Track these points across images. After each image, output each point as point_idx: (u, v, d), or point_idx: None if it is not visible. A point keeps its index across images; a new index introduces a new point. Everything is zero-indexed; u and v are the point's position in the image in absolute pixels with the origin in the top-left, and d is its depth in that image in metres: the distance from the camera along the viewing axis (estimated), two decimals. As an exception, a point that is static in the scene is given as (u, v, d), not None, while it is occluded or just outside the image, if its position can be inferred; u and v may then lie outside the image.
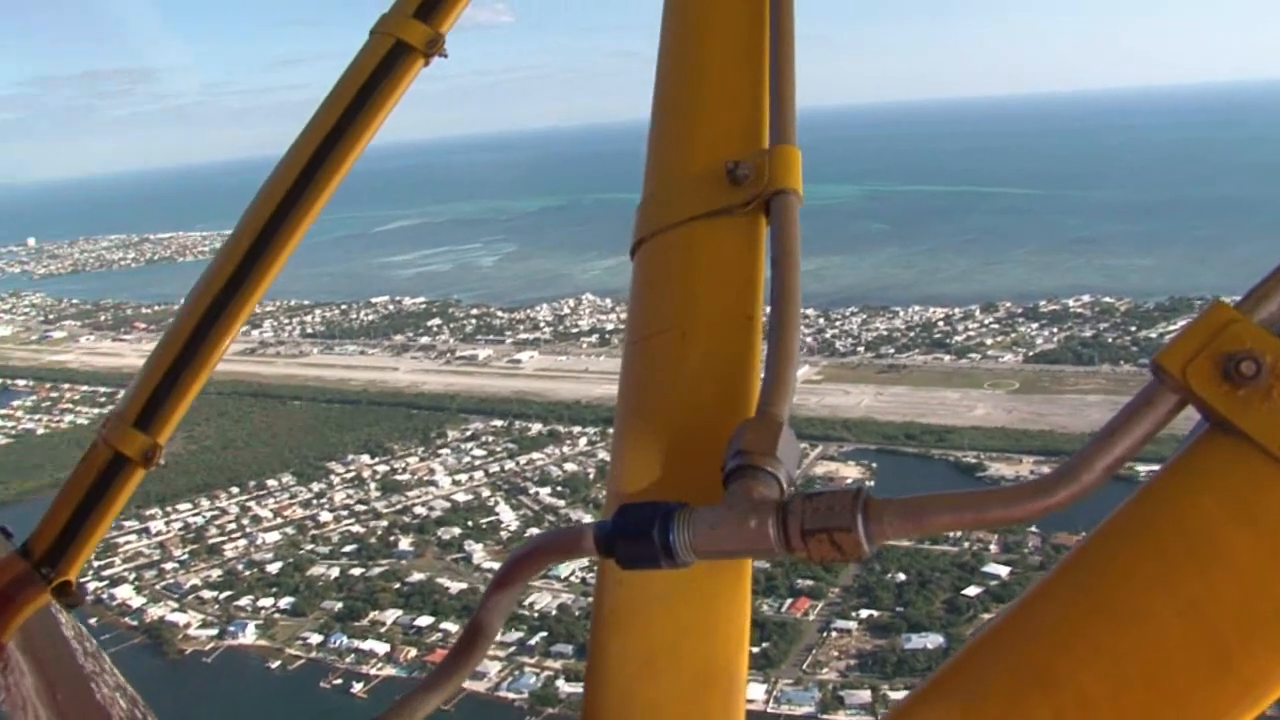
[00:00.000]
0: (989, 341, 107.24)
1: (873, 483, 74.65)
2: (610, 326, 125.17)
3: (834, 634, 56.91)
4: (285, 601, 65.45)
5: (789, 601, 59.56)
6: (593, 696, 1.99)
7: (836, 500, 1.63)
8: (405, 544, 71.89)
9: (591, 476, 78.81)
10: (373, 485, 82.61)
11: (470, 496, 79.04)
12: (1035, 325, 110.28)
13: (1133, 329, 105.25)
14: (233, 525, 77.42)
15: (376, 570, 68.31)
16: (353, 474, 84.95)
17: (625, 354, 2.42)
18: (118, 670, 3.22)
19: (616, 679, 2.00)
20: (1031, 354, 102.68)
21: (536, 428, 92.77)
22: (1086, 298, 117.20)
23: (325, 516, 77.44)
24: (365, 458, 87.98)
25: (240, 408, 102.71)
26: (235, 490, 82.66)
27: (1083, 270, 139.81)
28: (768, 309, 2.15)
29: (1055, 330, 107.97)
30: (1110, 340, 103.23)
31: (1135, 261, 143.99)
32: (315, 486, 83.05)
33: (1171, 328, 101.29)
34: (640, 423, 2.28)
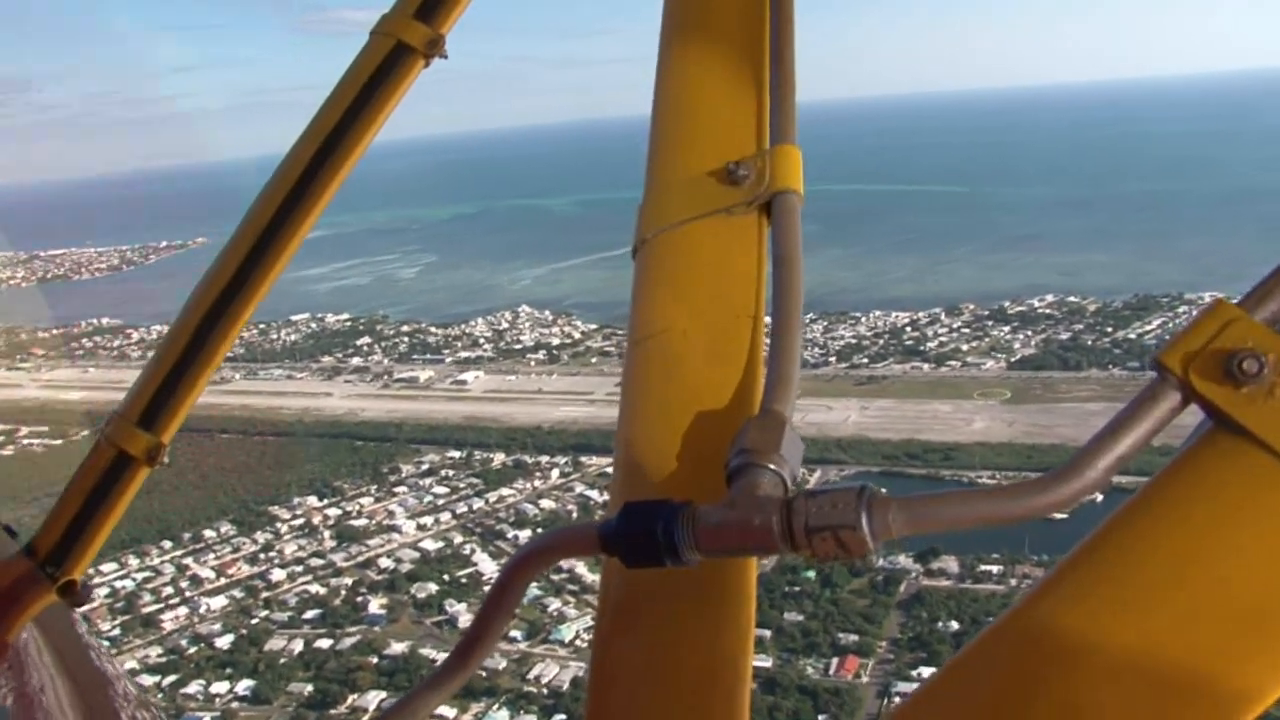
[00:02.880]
0: (964, 348, 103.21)
1: None
2: (555, 341, 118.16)
3: (897, 699, 49.71)
4: (244, 685, 55.73)
5: (835, 661, 52.45)
6: (597, 696, 2.01)
7: (840, 498, 1.64)
8: (376, 606, 62.80)
9: (574, 514, 70.78)
10: (326, 534, 73.14)
11: (440, 544, 70.32)
12: (1006, 328, 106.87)
13: (1109, 330, 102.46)
14: (169, 589, 67.10)
15: (348, 641, 59.10)
16: (301, 520, 75.38)
17: (627, 354, 2.43)
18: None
19: (621, 678, 2.01)
20: (1013, 360, 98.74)
21: (499, 458, 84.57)
22: (1050, 297, 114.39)
23: (277, 575, 67.79)
24: (312, 500, 78.40)
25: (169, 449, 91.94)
26: (168, 545, 72.29)
27: (1036, 269, 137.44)
28: (769, 308, 2.19)
29: (1029, 334, 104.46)
30: (1090, 343, 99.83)
31: (1086, 258, 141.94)
32: (260, 537, 73.26)
33: (1147, 328, 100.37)
34: (643, 422, 2.31)
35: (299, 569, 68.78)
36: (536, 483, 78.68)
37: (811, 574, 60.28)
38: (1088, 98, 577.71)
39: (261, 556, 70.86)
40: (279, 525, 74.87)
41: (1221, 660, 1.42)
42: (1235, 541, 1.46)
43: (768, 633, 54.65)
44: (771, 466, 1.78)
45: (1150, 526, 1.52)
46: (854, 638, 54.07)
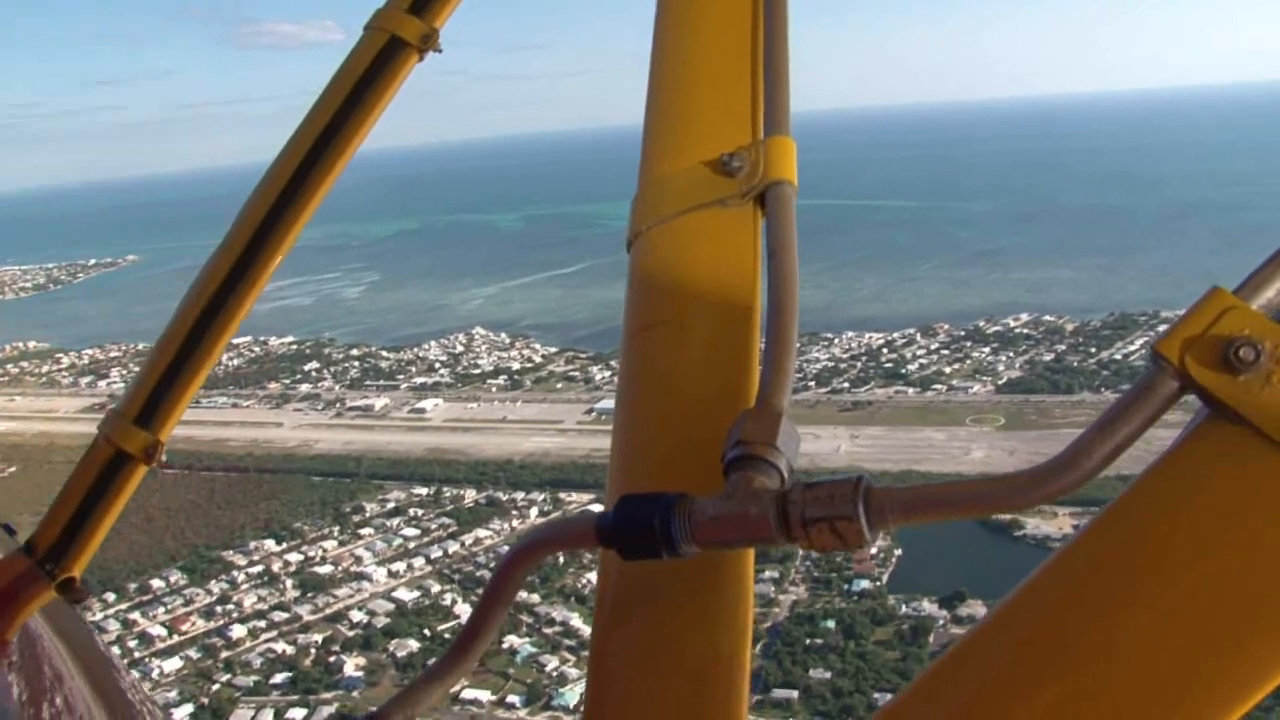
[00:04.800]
0: (947, 370, 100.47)
1: (899, 551, 65.07)
2: (515, 366, 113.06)
3: None
4: (209, 767, 49.59)
5: (872, 728, 47.29)
6: (595, 689, 2.02)
7: (837, 489, 1.66)
8: (352, 667, 56.87)
9: (560, 559, 65.02)
10: (288, 583, 66.99)
11: (416, 593, 64.51)
12: (987, 349, 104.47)
13: (1092, 350, 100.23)
14: (115, 650, 60.19)
15: (324, 710, 53.00)
16: (260, 567, 69.19)
17: (624, 346, 2.45)
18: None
19: (619, 671, 2.02)
20: (1000, 383, 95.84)
21: (470, 495, 79.22)
22: (1025, 316, 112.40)
23: (238, 631, 61.37)
24: (270, 543, 72.28)
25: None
26: (111, 597, 65.47)
27: (1003, 285, 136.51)
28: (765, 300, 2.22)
29: (1011, 355, 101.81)
30: (1076, 364, 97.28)
31: (1051, 274, 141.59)
32: (215, 587, 66.96)
33: (1130, 348, 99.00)
34: (640, 414, 2.35)
35: (261, 624, 62.55)
36: (514, 523, 73.33)
37: (831, 624, 55.87)
38: (1021, 113, 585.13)
39: (218, 609, 64.54)
40: (235, 573, 68.68)
41: (1219, 648, 1.43)
42: (1232, 529, 1.46)
43: (794, 693, 49.85)
44: (768, 458, 1.79)
45: (1147, 514, 1.52)
46: (889, 696, 49.13)
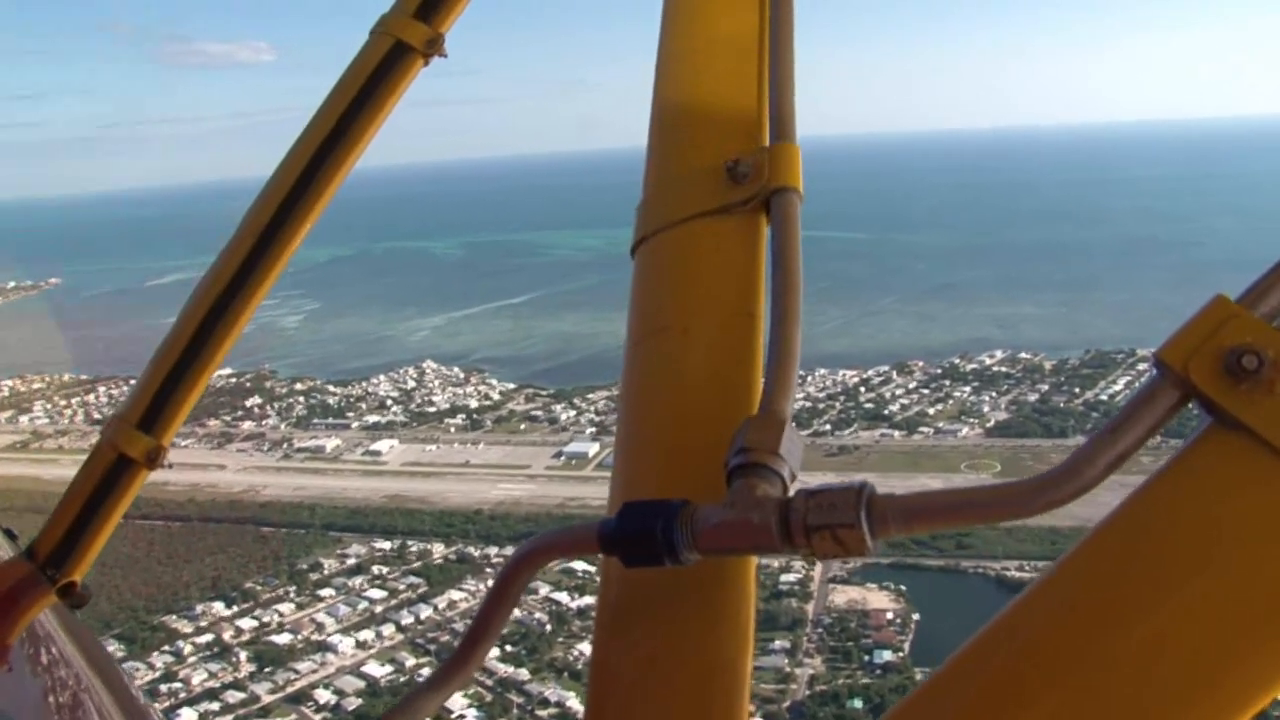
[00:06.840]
0: (931, 411, 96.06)
1: (916, 615, 60.39)
2: (473, 404, 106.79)
3: None
4: None
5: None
6: (596, 696, 2.02)
7: (839, 496, 1.66)
8: (323, 761, 50.20)
9: (548, 628, 59.00)
10: (243, 655, 59.83)
11: (389, 668, 57.84)
12: (967, 389, 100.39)
13: (1076, 390, 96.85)
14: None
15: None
16: (208, 636, 61.95)
17: (627, 353, 2.45)
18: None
19: (620, 678, 2.02)
20: (989, 426, 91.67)
21: (438, 550, 72.65)
22: (1000, 353, 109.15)
23: (187, 717, 54.03)
24: (219, 606, 65.08)
25: (20, 528, 76.31)
26: (39, 673, 58.01)
27: (971, 321, 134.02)
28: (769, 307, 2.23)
29: (994, 395, 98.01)
30: (1062, 405, 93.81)
31: (1015, 310, 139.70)
32: (158, 660, 59.44)
33: (1115, 388, 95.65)
34: (642, 421, 2.35)
35: (214, 707, 55.35)
36: (490, 582, 66.07)
37: (859, 703, 50.62)
38: (951, 145, 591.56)
39: (163, 688, 57.07)
40: (180, 643, 61.28)
41: (1220, 659, 1.43)
42: (1235, 538, 1.47)
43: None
44: (771, 466, 1.79)
45: (1149, 523, 1.52)
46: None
